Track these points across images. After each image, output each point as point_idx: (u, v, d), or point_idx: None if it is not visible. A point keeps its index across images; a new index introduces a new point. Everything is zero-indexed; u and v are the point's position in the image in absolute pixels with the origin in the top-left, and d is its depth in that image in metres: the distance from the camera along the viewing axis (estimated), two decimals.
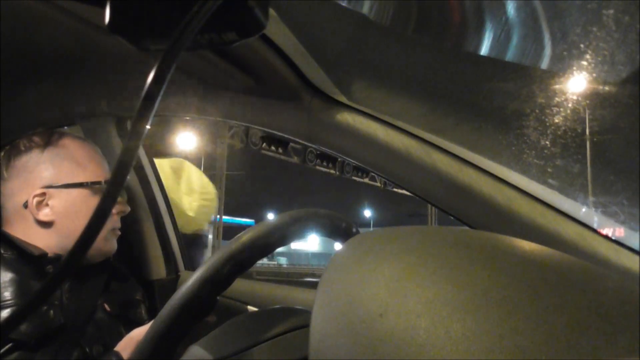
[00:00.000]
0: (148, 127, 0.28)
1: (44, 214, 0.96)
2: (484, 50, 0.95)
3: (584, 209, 0.85)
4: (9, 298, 0.88)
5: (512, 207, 0.81)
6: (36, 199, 0.96)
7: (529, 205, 0.81)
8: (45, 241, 0.97)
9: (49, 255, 0.96)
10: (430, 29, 0.97)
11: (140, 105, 0.28)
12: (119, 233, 1.07)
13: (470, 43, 0.97)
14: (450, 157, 0.87)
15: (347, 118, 0.93)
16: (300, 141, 1.00)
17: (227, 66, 0.93)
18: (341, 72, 0.96)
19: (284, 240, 0.61)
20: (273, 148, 14.51)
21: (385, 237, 0.40)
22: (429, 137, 0.90)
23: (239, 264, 0.57)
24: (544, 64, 1.01)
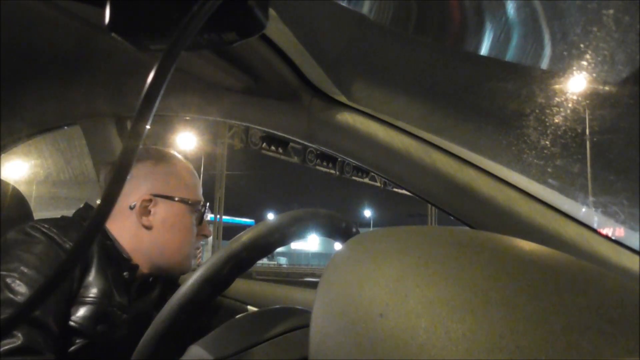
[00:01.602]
0: (148, 127, 0.28)
1: (146, 219, 1.03)
2: (484, 50, 0.95)
3: (584, 209, 0.85)
4: (93, 296, 0.92)
5: (512, 207, 0.81)
6: (144, 203, 1.02)
7: (529, 205, 0.81)
8: (137, 244, 1.02)
9: (132, 262, 1.01)
10: (430, 29, 0.97)
11: (140, 105, 0.28)
12: (198, 256, 1.11)
13: (470, 43, 0.97)
14: (450, 157, 0.87)
15: (347, 118, 0.93)
16: (300, 141, 1.00)
17: (227, 66, 0.94)
18: (341, 72, 0.96)
19: (284, 240, 0.61)
20: (273, 148, 14.51)
21: (385, 237, 0.40)
22: (429, 137, 0.90)
23: (239, 264, 0.57)
24: (544, 64, 1.01)
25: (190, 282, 0.55)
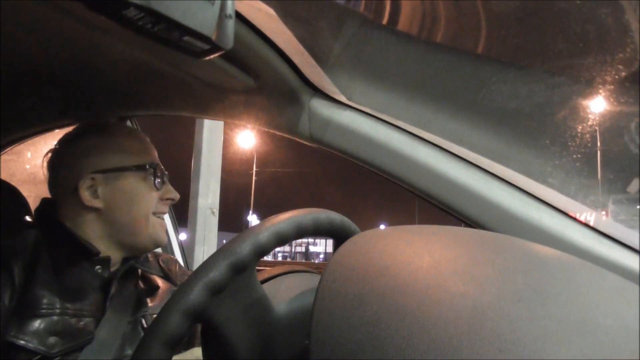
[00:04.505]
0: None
1: (94, 200, 0.95)
2: (485, 50, 0.95)
3: (584, 209, 0.85)
4: (44, 306, 0.84)
5: (513, 207, 0.81)
6: (86, 183, 0.95)
7: (529, 205, 0.81)
8: (95, 230, 0.95)
9: (101, 255, 0.93)
10: (431, 28, 0.97)
11: None
12: (165, 225, 1.01)
13: (470, 42, 0.97)
14: (451, 157, 0.87)
15: (347, 118, 0.93)
16: (301, 141, 1.00)
17: (227, 66, 0.93)
18: (341, 72, 0.96)
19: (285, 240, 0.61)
20: None
21: (397, 234, 0.40)
22: (429, 137, 0.90)
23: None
24: (544, 63, 1.01)
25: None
